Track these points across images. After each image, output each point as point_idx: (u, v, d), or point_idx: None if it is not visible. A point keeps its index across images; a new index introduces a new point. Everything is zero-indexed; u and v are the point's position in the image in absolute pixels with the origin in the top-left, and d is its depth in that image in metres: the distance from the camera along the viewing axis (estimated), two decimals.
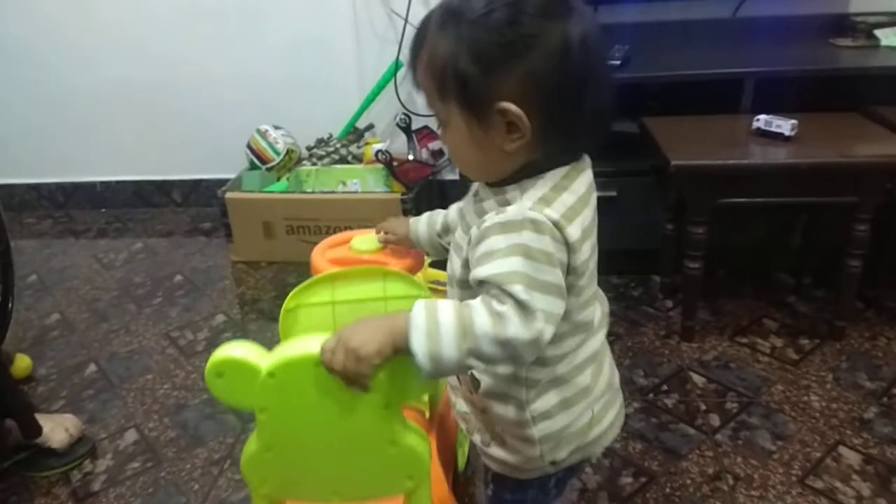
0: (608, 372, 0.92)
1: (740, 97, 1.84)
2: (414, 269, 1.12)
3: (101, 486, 1.45)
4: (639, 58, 1.95)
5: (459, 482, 1.32)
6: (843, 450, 1.42)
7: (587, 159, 0.83)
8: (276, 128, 2.47)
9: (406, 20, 2.30)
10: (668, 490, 1.34)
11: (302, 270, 1.12)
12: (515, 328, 0.70)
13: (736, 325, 1.84)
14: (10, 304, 1.67)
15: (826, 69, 1.87)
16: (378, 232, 1.15)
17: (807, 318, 1.86)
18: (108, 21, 2.54)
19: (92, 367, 1.83)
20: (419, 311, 0.72)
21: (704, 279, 1.72)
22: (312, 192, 2.28)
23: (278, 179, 2.41)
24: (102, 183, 2.82)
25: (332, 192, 2.27)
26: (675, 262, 1.88)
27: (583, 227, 0.77)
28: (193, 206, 2.82)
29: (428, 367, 0.71)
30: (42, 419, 1.48)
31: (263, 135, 2.45)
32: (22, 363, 1.79)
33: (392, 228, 1.13)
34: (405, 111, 2.34)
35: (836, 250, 1.68)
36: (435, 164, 2.34)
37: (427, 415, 1.16)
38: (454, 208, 1.00)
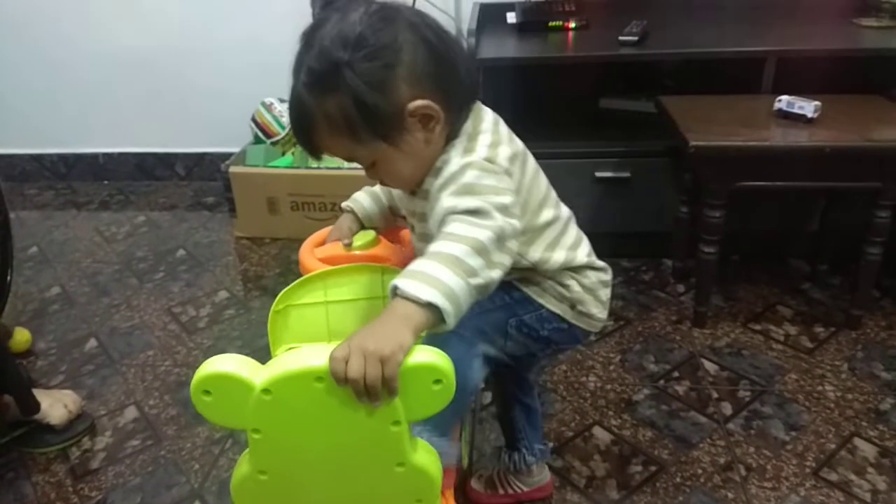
0: None
1: (761, 77, 1.78)
2: None
3: (99, 463, 1.42)
4: (656, 34, 1.89)
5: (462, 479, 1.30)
6: (858, 442, 1.39)
7: (478, 102, 0.93)
8: (282, 101, 2.42)
9: None
10: (678, 479, 1.31)
11: None
12: (475, 231, 0.75)
13: (749, 311, 1.80)
14: (9, 277, 1.63)
15: (849, 49, 1.81)
16: (334, 238, 1.10)
17: (822, 305, 1.82)
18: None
19: (92, 342, 1.81)
20: (404, 281, 0.72)
21: (718, 264, 1.67)
22: (318, 168, 2.23)
23: (283, 154, 2.37)
24: (105, 154, 2.78)
25: (338, 168, 2.22)
26: (688, 245, 1.84)
27: (511, 147, 0.89)
28: (197, 179, 2.77)
29: (450, 308, 0.71)
30: (40, 395, 1.45)
31: (269, 108, 2.40)
32: (21, 337, 1.76)
33: (347, 232, 1.10)
34: None
35: (854, 237, 1.64)
36: None
37: None
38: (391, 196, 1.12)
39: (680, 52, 1.85)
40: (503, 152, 0.87)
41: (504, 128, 0.94)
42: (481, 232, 0.76)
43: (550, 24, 2.05)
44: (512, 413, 1.21)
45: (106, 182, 2.80)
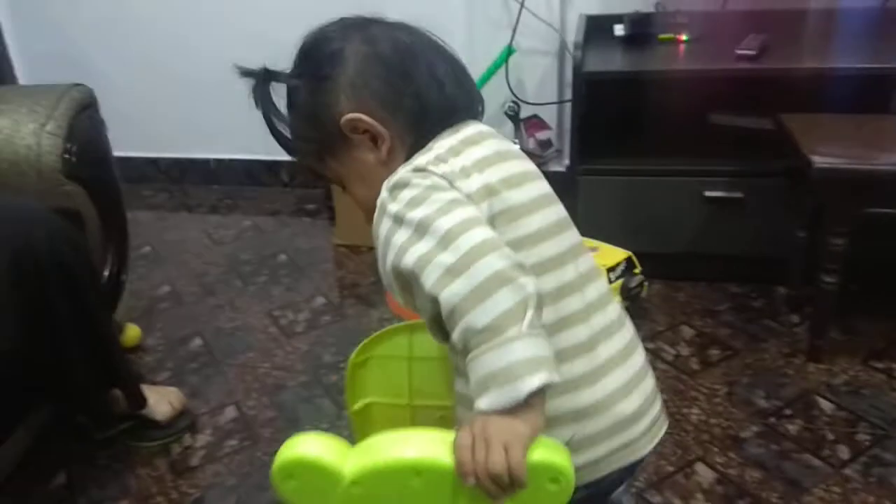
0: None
1: (890, 95, 1.66)
2: None
3: (198, 460, 1.47)
4: (776, 49, 1.80)
5: None
6: None
7: (468, 123, 0.82)
8: None
9: (522, 4, 2.22)
10: None
11: None
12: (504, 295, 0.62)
13: (871, 347, 1.67)
14: (124, 275, 1.72)
15: None
16: None
17: None
18: (220, 10, 2.59)
19: (197, 341, 1.87)
20: (487, 400, 0.60)
21: (837, 294, 1.56)
22: None
23: None
24: (216, 160, 2.89)
25: None
26: (803, 272, 1.73)
27: (473, 159, 0.74)
28: (300, 186, 2.84)
29: (546, 374, 0.60)
30: (147, 390, 1.51)
31: None
32: (132, 333, 1.84)
33: None
34: (514, 99, 2.27)
35: None
36: (542, 154, 2.28)
37: None
38: None
39: (801, 67, 1.74)
40: (462, 159, 0.73)
41: (486, 150, 0.76)
42: (483, 268, 0.62)
43: (660, 36, 1.98)
44: None
45: (216, 187, 2.92)
